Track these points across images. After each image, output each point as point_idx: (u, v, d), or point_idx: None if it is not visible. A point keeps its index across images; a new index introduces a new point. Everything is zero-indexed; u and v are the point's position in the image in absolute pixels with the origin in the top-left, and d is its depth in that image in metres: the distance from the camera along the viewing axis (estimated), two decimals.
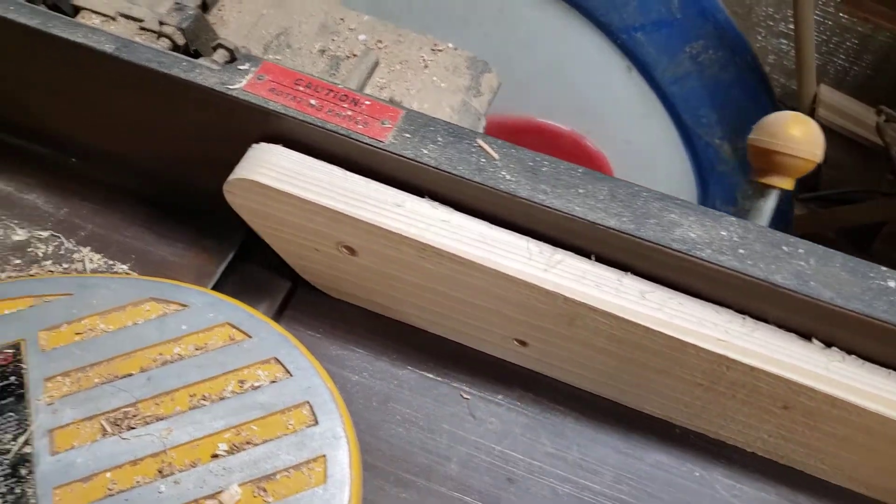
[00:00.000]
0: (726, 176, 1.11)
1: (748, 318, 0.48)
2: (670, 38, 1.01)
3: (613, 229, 0.47)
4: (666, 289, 0.48)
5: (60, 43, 0.52)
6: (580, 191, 0.48)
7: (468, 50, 0.72)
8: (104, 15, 0.59)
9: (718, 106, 1.06)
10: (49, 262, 0.59)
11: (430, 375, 0.57)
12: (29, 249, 0.60)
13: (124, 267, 0.60)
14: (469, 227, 0.49)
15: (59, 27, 0.52)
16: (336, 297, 0.61)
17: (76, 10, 0.60)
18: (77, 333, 0.53)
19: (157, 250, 0.61)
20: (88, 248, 0.61)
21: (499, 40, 0.99)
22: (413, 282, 0.53)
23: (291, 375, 0.51)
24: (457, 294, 0.52)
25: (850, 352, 0.47)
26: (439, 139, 0.50)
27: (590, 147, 1.14)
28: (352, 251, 0.53)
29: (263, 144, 0.51)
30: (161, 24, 0.55)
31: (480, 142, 0.50)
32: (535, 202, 0.47)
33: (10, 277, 0.58)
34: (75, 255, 0.60)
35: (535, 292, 0.48)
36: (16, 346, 0.52)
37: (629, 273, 0.49)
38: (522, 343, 0.55)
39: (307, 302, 0.61)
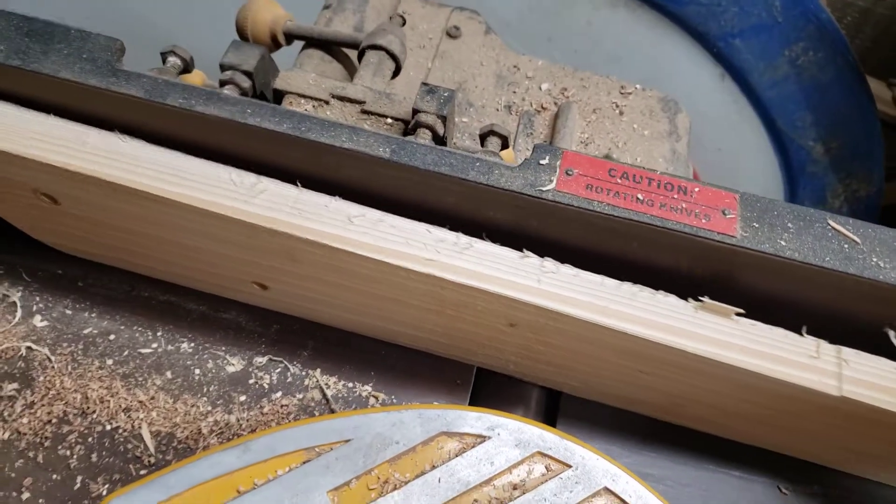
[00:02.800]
0: (817, 177, 1.09)
1: (462, 235, 0.45)
2: (770, 42, 0.97)
3: None
4: (379, 211, 0.45)
5: (317, 149, 0.44)
6: None
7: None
8: (316, 99, 0.50)
9: (815, 108, 1.03)
10: (279, 394, 0.51)
11: (737, 473, 0.51)
12: (251, 381, 0.51)
13: (367, 388, 0.52)
14: (160, 160, 0.45)
15: (315, 130, 0.43)
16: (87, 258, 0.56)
17: (279, 95, 0.51)
18: (370, 489, 0.45)
19: (394, 361, 0.53)
20: (318, 370, 0.52)
21: (587, 55, 0.93)
22: (127, 227, 0.49)
23: None
24: (173, 237, 0.48)
25: (563, 261, 0.46)
26: (790, 226, 0.44)
27: None
28: (53, 200, 0.48)
29: None
30: (416, 111, 0.47)
31: (832, 223, 0.44)
32: None
33: (252, 427, 0.49)
34: (307, 382, 0.51)
35: (238, 226, 0.44)
36: None
37: (338, 197, 0.45)
38: (263, 286, 0.51)
39: (572, 407, 0.54)
